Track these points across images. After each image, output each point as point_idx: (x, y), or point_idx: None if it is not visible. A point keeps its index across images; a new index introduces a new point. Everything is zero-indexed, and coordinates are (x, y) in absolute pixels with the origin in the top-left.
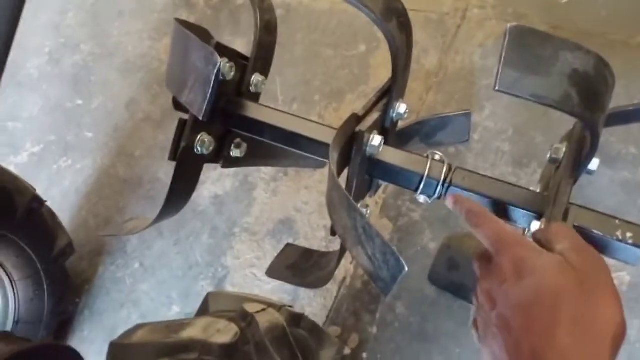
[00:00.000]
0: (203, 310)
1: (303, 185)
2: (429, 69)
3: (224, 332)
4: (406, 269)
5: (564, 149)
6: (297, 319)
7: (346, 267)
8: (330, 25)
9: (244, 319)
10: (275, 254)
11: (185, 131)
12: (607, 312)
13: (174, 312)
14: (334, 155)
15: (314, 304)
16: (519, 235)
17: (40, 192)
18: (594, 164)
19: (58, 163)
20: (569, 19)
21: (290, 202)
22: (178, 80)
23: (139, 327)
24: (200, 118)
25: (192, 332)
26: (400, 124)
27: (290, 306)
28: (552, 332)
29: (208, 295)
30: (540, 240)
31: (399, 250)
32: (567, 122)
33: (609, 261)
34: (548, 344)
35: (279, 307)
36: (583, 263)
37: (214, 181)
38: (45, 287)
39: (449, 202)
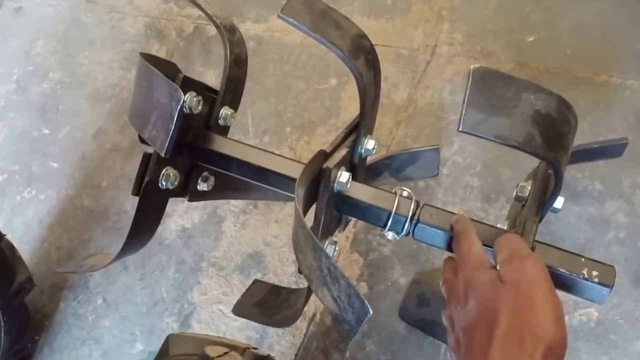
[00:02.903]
0: (163, 353)
1: (273, 218)
2: (399, 103)
3: None
4: (371, 312)
5: (529, 187)
6: None
7: (316, 303)
8: (302, 58)
9: None
10: (243, 290)
11: (150, 165)
12: (540, 325)
13: (137, 350)
14: (300, 193)
15: (282, 341)
16: (479, 257)
17: (1, 223)
18: (559, 203)
19: (21, 193)
20: (535, 56)
21: (260, 235)
22: (141, 116)
23: None
24: (162, 155)
25: None
26: (370, 159)
27: (256, 347)
28: (486, 350)
29: (168, 337)
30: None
31: (369, 286)
32: (535, 159)
33: (577, 298)
34: None
35: (242, 350)
36: (515, 275)
37: (181, 214)
38: (2, 324)
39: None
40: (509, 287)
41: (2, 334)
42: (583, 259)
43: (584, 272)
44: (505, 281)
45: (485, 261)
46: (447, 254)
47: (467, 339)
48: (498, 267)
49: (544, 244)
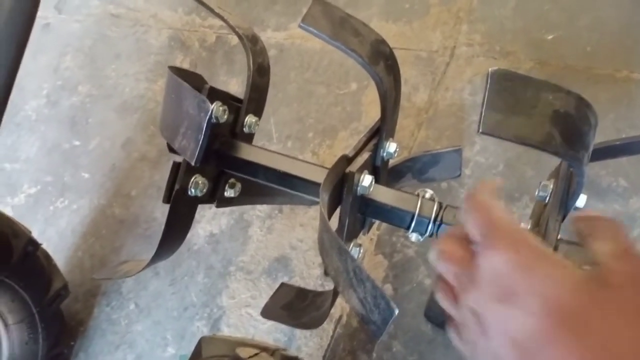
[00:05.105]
0: (196, 355)
1: (298, 222)
2: (420, 105)
3: None
4: (397, 312)
5: (551, 186)
6: None
7: (342, 305)
8: (322, 64)
9: None
10: (271, 293)
11: (179, 174)
12: None
13: (169, 354)
14: (324, 198)
15: (310, 343)
16: (522, 230)
17: (36, 233)
18: (582, 201)
19: (55, 204)
20: (555, 54)
21: (286, 239)
22: (171, 127)
23: None
24: (193, 164)
25: None
26: (393, 161)
27: (285, 349)
28: None
29: (201, 339)
30: (575, 230)
31: (394, 287)
32: (557, 157)
33: None
34: None
35: (272, 351)
36: (627, 279)
37: (209, 219)
38: (39, 330)
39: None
40: (613, 292)
41: (41, 340)
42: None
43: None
44: (613, 283)
45: (536, 240)
46: None
47: (523, 357)
48: (600, 259)
49: (567, 242)
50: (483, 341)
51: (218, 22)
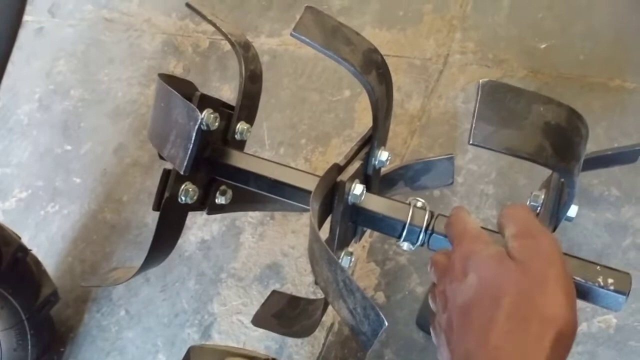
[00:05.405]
0: None
1: (290, 229)
2: (413, 113)
3: None
4: (386, 324)
5: (542, 197)
6: None
7: (334, 313)
8: (316, 71)
9: None
10: (262, 300)
11: (169, 181)
12: (550, 307)
13: None
14: (315, 207)
15: (301, 351)
16: (477, 230)
17: (27, 238)
18: (573, 211)
19: (45, 209)
20: (549, 63)
21: (277, 246)
22: (160, 135)
23: None
24: (182, 173)
25: None
26: (385, 169)
27: (275, 358)
28: (486, 333)
29: (190, 349)
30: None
31: (386, 295)
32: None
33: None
34: (480, 345)
35: None
36: (526, 252)
37: (201, 226)
38: (29, 336)
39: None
40: (518, 264)
41: (30, 347)
42: (598, 267)
43: (600, 280)
44: (514, 257)
45: (485, 235)
46: None
47: (463, 318)
48: (506, 242)
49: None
50: (444, 315)
51: (211, 28)
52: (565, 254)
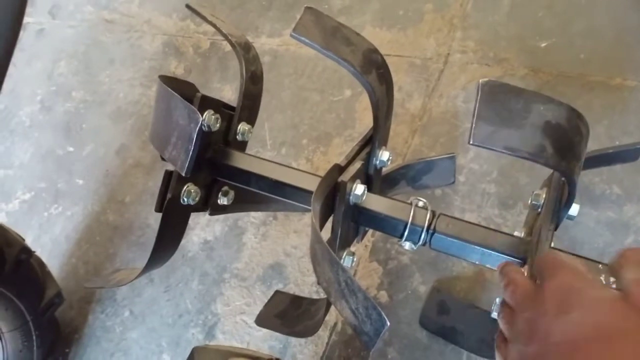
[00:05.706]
0: None
1: (292, 229)
2: (414, 112)
3: None
4: (388, 324)
5: (543, 196)
6: None
7: (337, 312)
8: (316, 71)
9: None
10: (265, 300)
11: (171, 183)
12: None
13: None
14: (316, 208)
15: (305, 351)
16: (574, 261)
17: (30, 239)
18: (574, 210)
19: (49, 210)
20: (549, 62)
21: (280, 246)
22: (161, 137)
23: None
24: (183, 174)
25: None
26: (386, 168)
27: (278, 358)
28: None
29: (193, 350)
30: (609, 267)
31: (389, 294)
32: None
33: None
34: None
35: None
36: None
37: (203, 226)
38: (34, 337)
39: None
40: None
41: (35, 348)
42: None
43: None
44: (635, 304)
45: (586, 269)
46: (465, 262)
47: (564, 357)
48: (625, 285)
49: (560, 250)
50: (532, 347)
51: (212, 28)
52: (566, 252)
